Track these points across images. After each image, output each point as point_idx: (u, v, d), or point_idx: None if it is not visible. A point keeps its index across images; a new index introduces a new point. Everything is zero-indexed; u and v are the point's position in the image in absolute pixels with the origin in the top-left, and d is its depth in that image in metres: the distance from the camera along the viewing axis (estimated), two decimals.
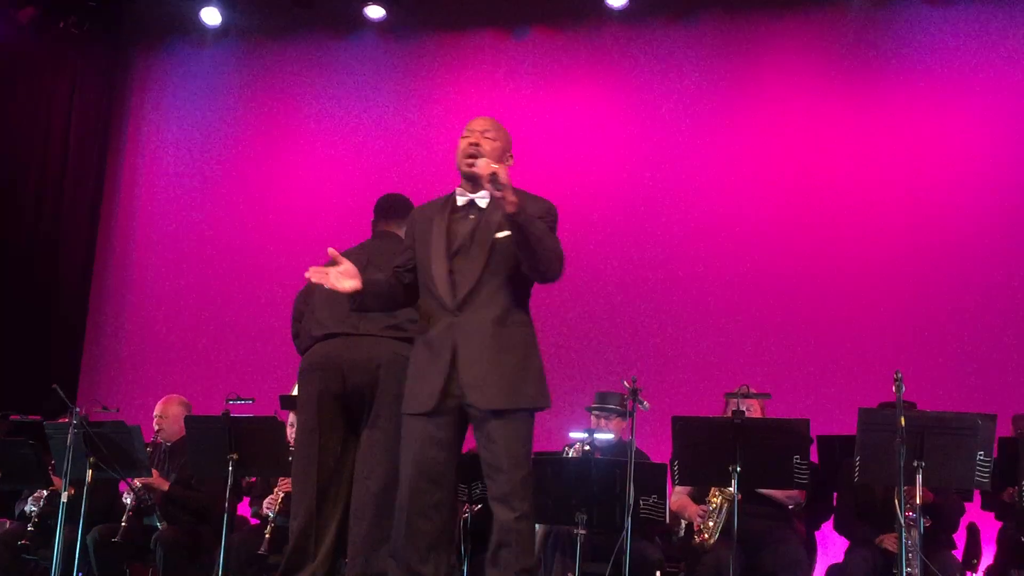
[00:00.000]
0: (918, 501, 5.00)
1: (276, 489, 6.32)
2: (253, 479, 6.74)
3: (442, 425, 4.12)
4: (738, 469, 5.27)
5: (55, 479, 6.48)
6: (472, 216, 4.17)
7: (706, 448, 5.39)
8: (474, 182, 4.12)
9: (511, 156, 4.30)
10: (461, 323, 4.06)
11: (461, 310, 4.07)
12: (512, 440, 4.07)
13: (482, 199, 4.16)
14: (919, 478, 4.93)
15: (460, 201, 4.20)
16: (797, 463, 5.31)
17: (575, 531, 5.51)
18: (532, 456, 4.20)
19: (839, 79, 8.58)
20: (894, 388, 4.84)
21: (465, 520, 6.39)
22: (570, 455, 6.09)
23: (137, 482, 6.40)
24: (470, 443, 7.16)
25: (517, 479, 4.06)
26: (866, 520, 5.82)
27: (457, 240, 4.14)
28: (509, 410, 4.06)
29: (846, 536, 6.06)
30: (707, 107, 8.82)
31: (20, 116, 9.91)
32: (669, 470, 5.57)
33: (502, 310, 4.08)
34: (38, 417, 6.56)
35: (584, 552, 5.53)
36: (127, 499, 6.50)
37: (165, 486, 6.55)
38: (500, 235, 4.06)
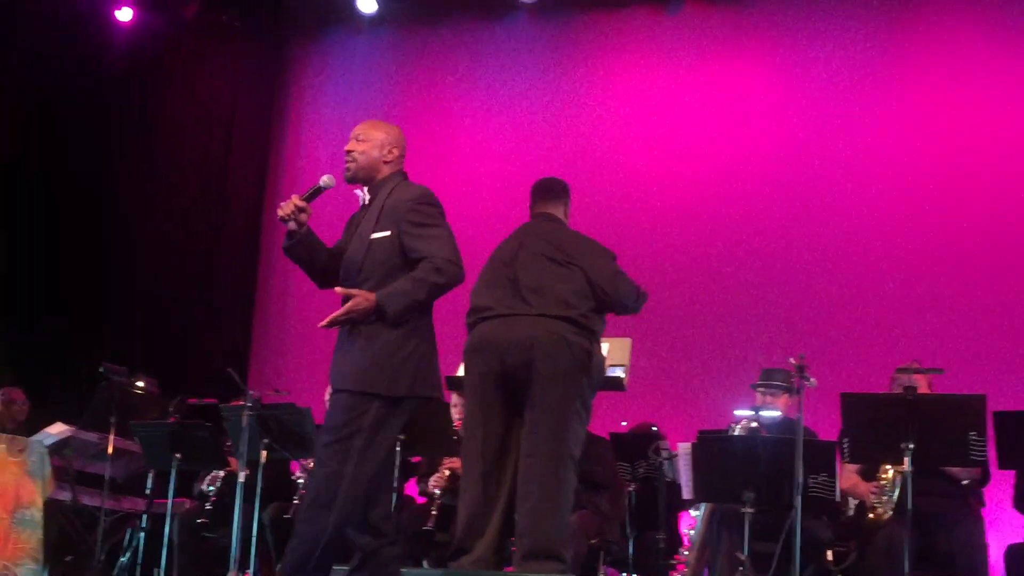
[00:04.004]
0: None
1: (441, 468, 6.40)
2: (419, 458, 6.84)
3: None
4: (911, 446, 5.13)
5: (231, 460, 6.71)
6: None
7: (877, 425, 5.26)
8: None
9: (394, 149, 4.65)
10: None
11: None
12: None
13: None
14: None
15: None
16: (973, 440, 5.15)
17: (742, 509, 5.45)
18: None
19: (1005, 48, 8.23)
20: None
21: (629, 496, 6.39)
22: (736, 432, 6.03)
23: (311, 463, 6.58)
24: (633, 420, 7.17)
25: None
26: None
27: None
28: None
29: None
30: (867, 79, 8.57)
31: (183, 109, 10.25)
32: (838, 448, 5.46)
33: None
34: (214, 400, 6.77)
35: (752, 530, 5.46)
36: (300, 479, 6.68)
37: None
38: (376, 236, 4.43)
